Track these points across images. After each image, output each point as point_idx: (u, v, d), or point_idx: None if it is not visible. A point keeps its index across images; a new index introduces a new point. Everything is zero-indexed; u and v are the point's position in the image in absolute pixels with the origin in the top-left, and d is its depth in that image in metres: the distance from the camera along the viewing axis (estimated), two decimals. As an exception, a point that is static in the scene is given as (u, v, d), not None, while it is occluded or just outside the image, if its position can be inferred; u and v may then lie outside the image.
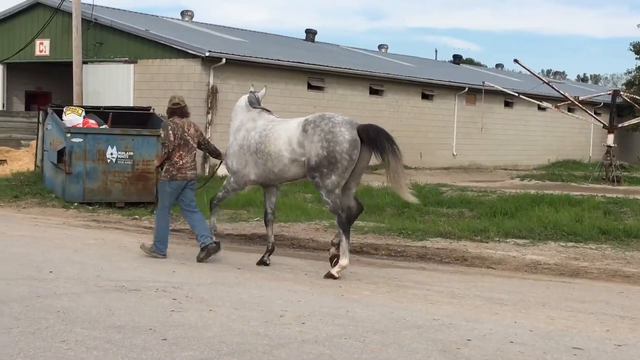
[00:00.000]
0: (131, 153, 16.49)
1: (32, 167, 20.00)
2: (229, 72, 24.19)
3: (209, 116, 23.59)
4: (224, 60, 23.75)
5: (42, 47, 27.53)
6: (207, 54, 23.34)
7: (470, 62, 63.37)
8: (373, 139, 9.61)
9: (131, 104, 23.57)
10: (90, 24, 25.11)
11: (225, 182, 10.87)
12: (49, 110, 17.70)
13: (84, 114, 17.38)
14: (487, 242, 12.59)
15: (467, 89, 34.58)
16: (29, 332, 6.47)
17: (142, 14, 33.40)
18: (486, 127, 34.98)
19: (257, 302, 7.94)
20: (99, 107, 19.05)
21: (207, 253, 10.43)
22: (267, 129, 10.16)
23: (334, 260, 9.95)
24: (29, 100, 30.80)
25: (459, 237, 12.84)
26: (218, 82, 23.66)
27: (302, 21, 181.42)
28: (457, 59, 49.17)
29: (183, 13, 34.00)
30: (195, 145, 10.73)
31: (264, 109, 10.68)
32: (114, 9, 30.92)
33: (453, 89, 34.49)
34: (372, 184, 21.78)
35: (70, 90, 23.09)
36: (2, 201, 16.87)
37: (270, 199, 10.65)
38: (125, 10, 32.39)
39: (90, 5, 25.12)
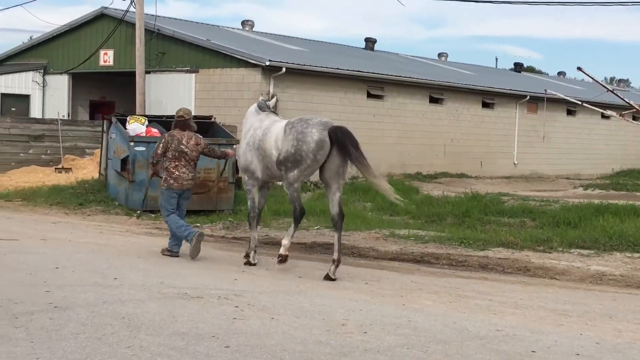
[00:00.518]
0: (193, 161, 16.62)
1: (96, 175, 20.36)
2: (289, 81, 24.32)
3: (269, 125, 23.69)
4: (284, 70, 23.90)
5: (107, 57, 28.10)
6: (268, 63, 23.52)
7: (531, 70, 62.72)
8: (340, 140, 9.93)
9: (193, 113, 23.79)
10: (153, 35, 25.53)
11: (244, 186, 11.49)
12: (113, 119, 17.99)
13: (147, 122, 17.62)
14: (550, 253, 12.39)
15: (528, 97, 34.17)
16: (95, 338, 6.58)
17: (203, 24, 33.81)
18: (548, 136, 34.45)
19: (319, 311, 7.94)
20: (161, 116, 19.31)
21: (172, 254, 11.31)
22: (267, 128, 10.67)
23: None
24: (93, 110, 31.47)
25: (522, 247, 12.66)
26: (278, 91, 23.79)
27: (361, 30, 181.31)
28: (518, 67, 48.65)
29: (243, 23, 34.32)
30: (193, 157, 11.41)
31: (272, 112, 11.14)
32: (176, 19, 31.38)
33: (514, 97, 34.11)
34: (432, 192, 21.70)
35: (133, 99, 23.48)
36: (67, 209, 17.23)
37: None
38: (186, 21, 32.87)
39: (153, 16, 25.56)
